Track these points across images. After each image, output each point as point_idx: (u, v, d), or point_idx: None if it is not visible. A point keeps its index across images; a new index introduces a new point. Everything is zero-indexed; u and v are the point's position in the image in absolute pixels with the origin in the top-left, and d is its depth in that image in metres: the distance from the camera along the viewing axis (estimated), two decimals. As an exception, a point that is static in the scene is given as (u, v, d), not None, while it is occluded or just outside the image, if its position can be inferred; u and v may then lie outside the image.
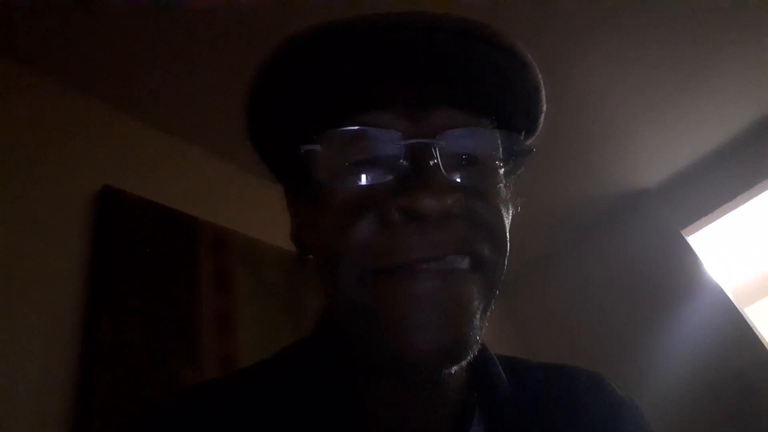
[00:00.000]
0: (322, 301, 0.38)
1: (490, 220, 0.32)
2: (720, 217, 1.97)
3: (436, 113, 0.32)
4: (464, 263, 0.31)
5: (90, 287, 0.93)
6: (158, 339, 0.93)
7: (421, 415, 0.35)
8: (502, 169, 0.35)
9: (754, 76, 1.57)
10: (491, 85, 0.33)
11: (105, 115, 1.18)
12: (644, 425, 0.44)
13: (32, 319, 0.84)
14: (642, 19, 1.32)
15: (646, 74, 1.49)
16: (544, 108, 0.37)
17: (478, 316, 0.31)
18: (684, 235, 1.93)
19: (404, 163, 0.30)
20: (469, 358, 0.30)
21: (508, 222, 0.35)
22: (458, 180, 0.31)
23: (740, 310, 1.75)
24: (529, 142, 0.38)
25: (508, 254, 0.34)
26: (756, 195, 1.91)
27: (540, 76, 0.35)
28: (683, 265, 1.88)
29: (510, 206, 0.36)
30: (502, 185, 0.35)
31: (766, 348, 1.67)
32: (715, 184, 1.91)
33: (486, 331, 0.33)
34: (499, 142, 0.34)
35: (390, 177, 0.31)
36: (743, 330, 1.71)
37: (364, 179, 0.31)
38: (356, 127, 0.31)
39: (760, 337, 1.70)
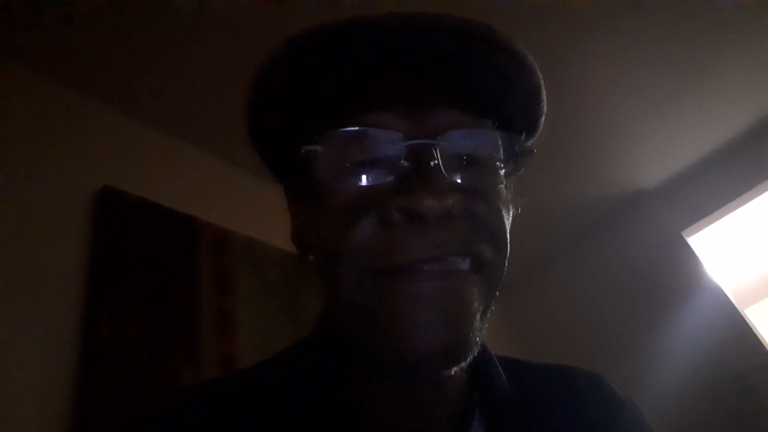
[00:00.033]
0: (322, 301, 0.38)
1: (490, 220, 0.32)
2: (720, 217, 1.97)
3: (436, 114, 0.32)
4: (465, 264, 0.31)
5: (90, 287, 0.93)
6: (158, 339, 0.93)
7: (421, 415, 0.35)
8: (503, 170, 0.35)
9: (754, 76, 1.57)
10: (492, 86, 0.33)
11: (105, 115, 1.18)
12: (644, 425, 0.44)
13: (32, 319, 0.84)
14: (642, 19, 1.32)
15: (646, 74, 1.49)
16: (545, 109, 0.37)
17: (478, 316, 0.31)
18: (684, 235, 1.93)
19: (405, 163, 0.30)
20: (469, 358, 0.30)
21: (508, 223, 0.35)
22: (459, 181, 0.31)
23: (740, 311, 1.75)
24: (529, 142, 0.38)
25: (508, 255, 0.34)
26: (756, 196, 1.90)
27: (541, 76, 0.34)
28: (683, 265, 1.88)
29: (510, 207, 0.36)
30: (502, 186, 0.35)
31: (766, 349, 1.66)
32: (715, 185, 1.91)
33: (486, 331, 0.33)
34: (500, 142, 0.34)
35: (390, 177, 0.31)
36: (743, 331, 1.71)
37: (364, 180, 0.31)
38: (357, 128, 0.31)
39: (760, 338, 1.70)
